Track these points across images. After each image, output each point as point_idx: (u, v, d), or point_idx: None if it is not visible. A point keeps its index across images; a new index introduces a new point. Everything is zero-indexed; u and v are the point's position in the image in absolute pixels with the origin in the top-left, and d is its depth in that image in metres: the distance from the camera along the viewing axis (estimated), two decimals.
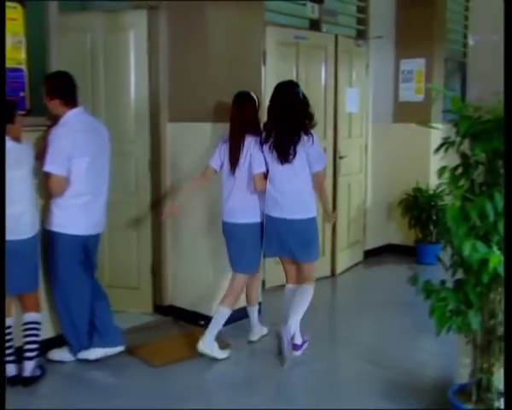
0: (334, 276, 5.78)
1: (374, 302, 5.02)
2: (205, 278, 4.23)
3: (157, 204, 4.38)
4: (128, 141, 4.39)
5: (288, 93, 3.64)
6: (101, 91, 4.36)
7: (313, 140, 3.60)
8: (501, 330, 2.63)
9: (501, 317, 2.63)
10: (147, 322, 4.36)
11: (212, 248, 4.20)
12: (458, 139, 2.62)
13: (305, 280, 3.79)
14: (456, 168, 2.72)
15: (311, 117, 3.66)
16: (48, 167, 3.34)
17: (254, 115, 3.74)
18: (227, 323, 3.85)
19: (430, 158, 6.05)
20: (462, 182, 2.67)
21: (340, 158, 5.72)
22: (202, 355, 3.66)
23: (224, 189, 3.78)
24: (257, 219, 3.76)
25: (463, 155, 2.69)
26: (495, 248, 2.43)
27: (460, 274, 2.70)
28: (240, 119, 3.67)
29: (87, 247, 3.57)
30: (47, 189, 3.43)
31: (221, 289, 4.18)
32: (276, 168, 3.64)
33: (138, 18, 4.28)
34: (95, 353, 3.63)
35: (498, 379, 2.66)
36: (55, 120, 3.47)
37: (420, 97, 6.24)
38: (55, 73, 3.57)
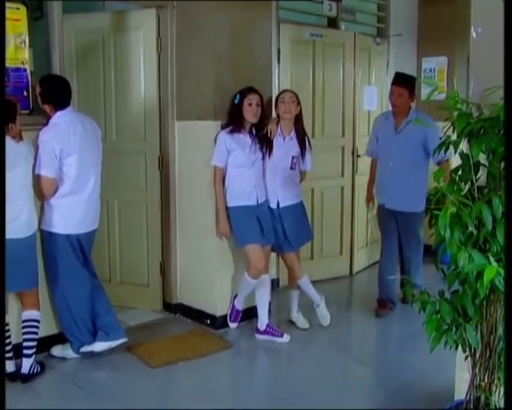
0: (351, 275, 5.46)
1: None
2: (211, 277, 3.98)
3: None
4: (138, 140, 4.18)
5: None
6: (111, 91, 4.17)
7: None
8: (501, 345, 2.29)
9: (501, 331, 2.28)
10: (154, 319, 4.14)
11: (219, 247, 3.95)
12: (455, 139, 2.28)
13: None
14: (455, 170, 2.39)
15: None
16: (39, 170, 3.20)
17: None
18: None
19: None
20: (461, 185, 2.33)
21: (358, 157, 5.39)
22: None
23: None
24: None
25: (464, 156, 2.35)
26: (492, 259, 2.08)
27: (457, 285, 2.36)
28: None
29: (80, 244, 3.38)
30: (39, 189, 3.26)
31: (227, 288, 3.96)
32: None
33: (148, 17, 4.05)
34: (99, 346, 3.46)
35: (498, 398, 2.32)
36: (48, 119, 3.30)
37: (442, 96, 5.78)
38: (48, 77, 3.36)
